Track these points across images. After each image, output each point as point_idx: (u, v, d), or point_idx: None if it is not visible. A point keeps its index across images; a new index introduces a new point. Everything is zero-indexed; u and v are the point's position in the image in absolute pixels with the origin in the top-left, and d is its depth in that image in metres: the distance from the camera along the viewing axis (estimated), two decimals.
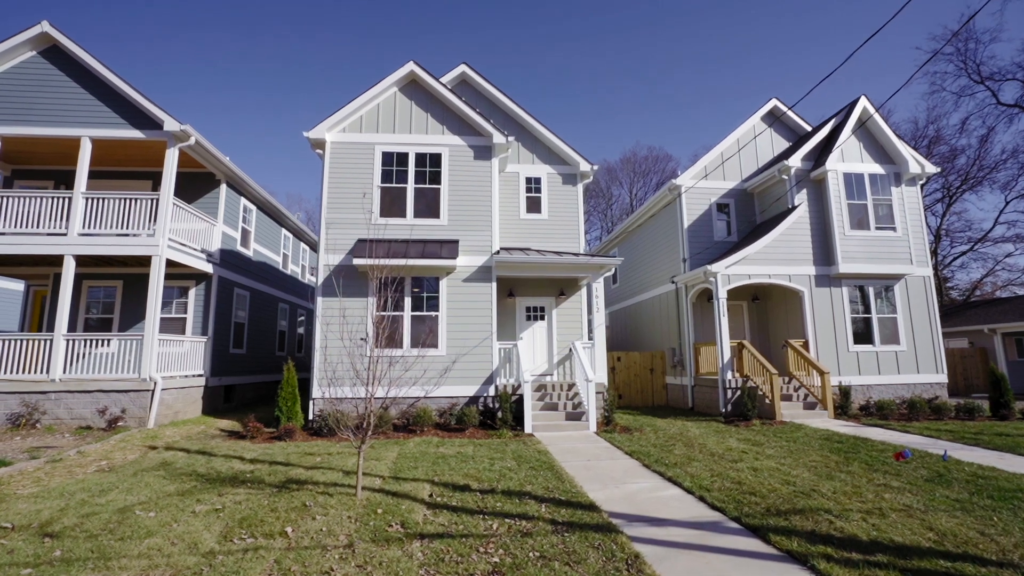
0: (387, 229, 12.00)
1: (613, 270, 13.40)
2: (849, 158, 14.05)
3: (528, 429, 10.30)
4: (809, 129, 15.98)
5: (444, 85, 12.80)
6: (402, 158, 12.47)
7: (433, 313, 11.83)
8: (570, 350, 12.80)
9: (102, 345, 11.81)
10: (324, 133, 12.18)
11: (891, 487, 5.82)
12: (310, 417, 10.90)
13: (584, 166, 14.27)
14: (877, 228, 13.80)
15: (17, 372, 10.84)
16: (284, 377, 10.47)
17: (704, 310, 14.91)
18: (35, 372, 10.86)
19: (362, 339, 6.10)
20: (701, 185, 15.53)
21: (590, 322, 13.12)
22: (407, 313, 11.76)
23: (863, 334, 13.54)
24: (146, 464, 7.42)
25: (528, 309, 13.81)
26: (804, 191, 14.07)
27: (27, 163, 14.00)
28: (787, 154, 14.73)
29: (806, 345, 13.18)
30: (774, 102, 16.26)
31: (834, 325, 13.40)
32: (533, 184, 14.35)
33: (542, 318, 13.78)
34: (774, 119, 16.51)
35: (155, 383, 10.97)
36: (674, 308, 15.73)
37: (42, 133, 11.74)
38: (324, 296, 11.66)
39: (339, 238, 11.90)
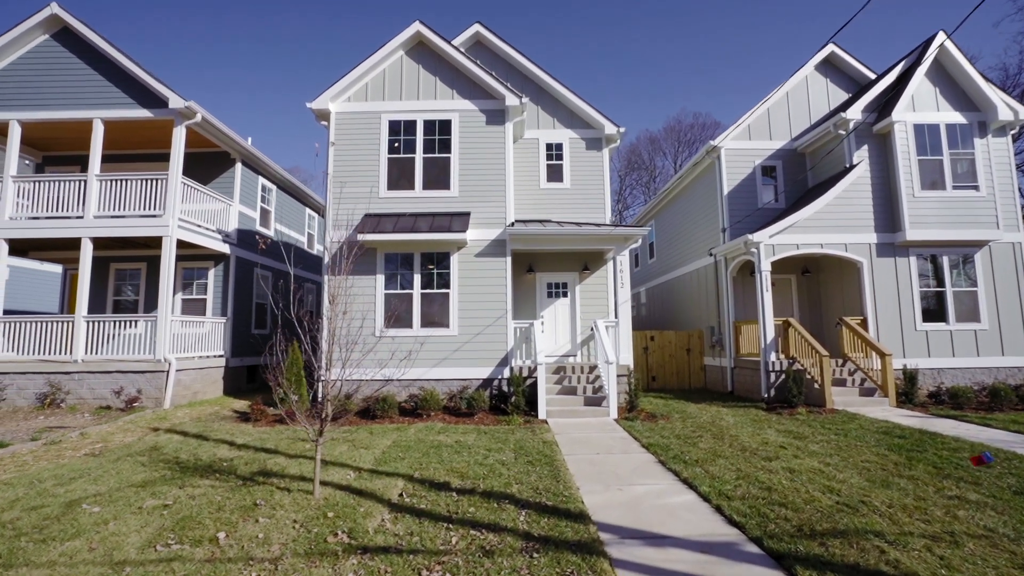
0: (396, 202, 11.41)
1: (640, 241, 12.24)
2: (922, 106, 12.06)
3: (542, 415, 9.52)
4: (873, 77, 13.91)
5: (454, 46, 11.85)
6: (410, 126, 11.70)
7: (444, 290, 11.15)
8: (591, 329, 11.85)
9: (129, 326, 11.92)
10: (328, 103, 11.57)
11: (967, 501, 4.63)
12: (318, 399, 10.58)
13: (610, 128, 13.03)
14: (955, 187, 11.85)
15: (44, 353, 11.09)
16: (288, 358, 10.13)
17: (746, 285, 13.48)
18: (60, 353, 11.07)
19: (319, 317, 5.43)
20: (744, 146, 13.91)
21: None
22: (416, 291, 11.13)
23: (934, 310, 11.76)
24: (136, 448, 7.19)
25: (549, 285, 12.90)
26: (865, 147, 12.24)
27: (55, 149, 14.25)
28: (845, 106, 12.85)
29: (864, 323, 11.60)
30: (831, 48, 14.25)
31: (899, 300, 11.71)
32: (554, 150, 13.27)
33: (565, 295, 12.85)
34: (831, 68, 14.50)
35: (169, 364, 10.94)
36: (712, 283, 14.36)
37: (56, 117, 11.76)
38: (331, 274, 11.17)
39: (346, 213, 11.35)
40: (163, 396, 10.83)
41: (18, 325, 11.18)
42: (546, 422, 9.13)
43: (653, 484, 5.36)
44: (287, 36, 72.18)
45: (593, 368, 11.10)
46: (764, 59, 61.75)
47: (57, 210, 11.41)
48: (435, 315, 11.08)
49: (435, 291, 11.16)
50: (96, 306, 13.51)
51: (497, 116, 11.69)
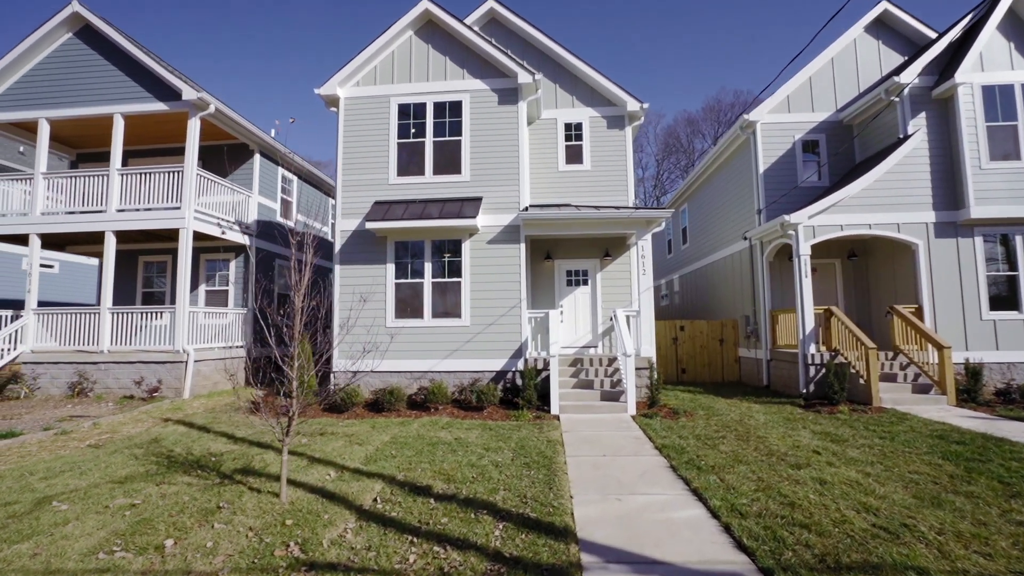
0: (406, 188, 11.05)
1: (664, 224, 11.42)
2: (992, 65, 10.61)
3: (554, 410, 8.98)
4: (933, 36, 12.40)
5: (464, 24, 11.29)
6: (419, 109, 11.27)
7: (455, 279, 10.73)
8: (610, 319, 11.17)
9: (153, 318, 12.12)
10: (336, 88, 11.28)
11: None
12: (330, 389, 10.43)
13: (632, 105, 12.18)
14: None
15: (76, 344, 11.43)
16: (298, 350, 9.99)
17: (784, 271, 12.41)
18: (89, 344, 11.39)
19: (281, 314, 5.10)
20: (782, 119, 12.73)
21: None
22: (427, 280, 10.76)
23: (1004, 297, 10.42)
24: (136, 441, 7.16)
25: (568, 273, 12.27)
26: (922, 115, 10.90)
27: (86, 147, 14.65)
28: (899, 69, 11.48)
29: (919, 312, 10.40)
30: (884, 5, 12.79)
31: (960, 286, 10.43)
32: (573, 131, 12.54)
33: (585, 283, 12.19)
34: (883, 28, 13.03)
35: (187, 355, 11.05)
36: (747, 269, 13.33)
37: (80, 113, 11.98)
38: (342, 264, 11.02)
39: (355, 201, 11.10)
40: (182, 386, 10.96)
41: (51, 317, 11.57)
42: (557, 418, 8.60)
43: (658, 494, 4.76)
44: (312, 25, 73.12)
45: (612, 360, 10.45)
46: (762, 58, 57.78)
47: (85, 205, 11.69)
48: (446, 305, 10.69)
49: (446, 280, 10.76)
50: (126, 298, 13.89)
51: (510, 95, 11.09)
